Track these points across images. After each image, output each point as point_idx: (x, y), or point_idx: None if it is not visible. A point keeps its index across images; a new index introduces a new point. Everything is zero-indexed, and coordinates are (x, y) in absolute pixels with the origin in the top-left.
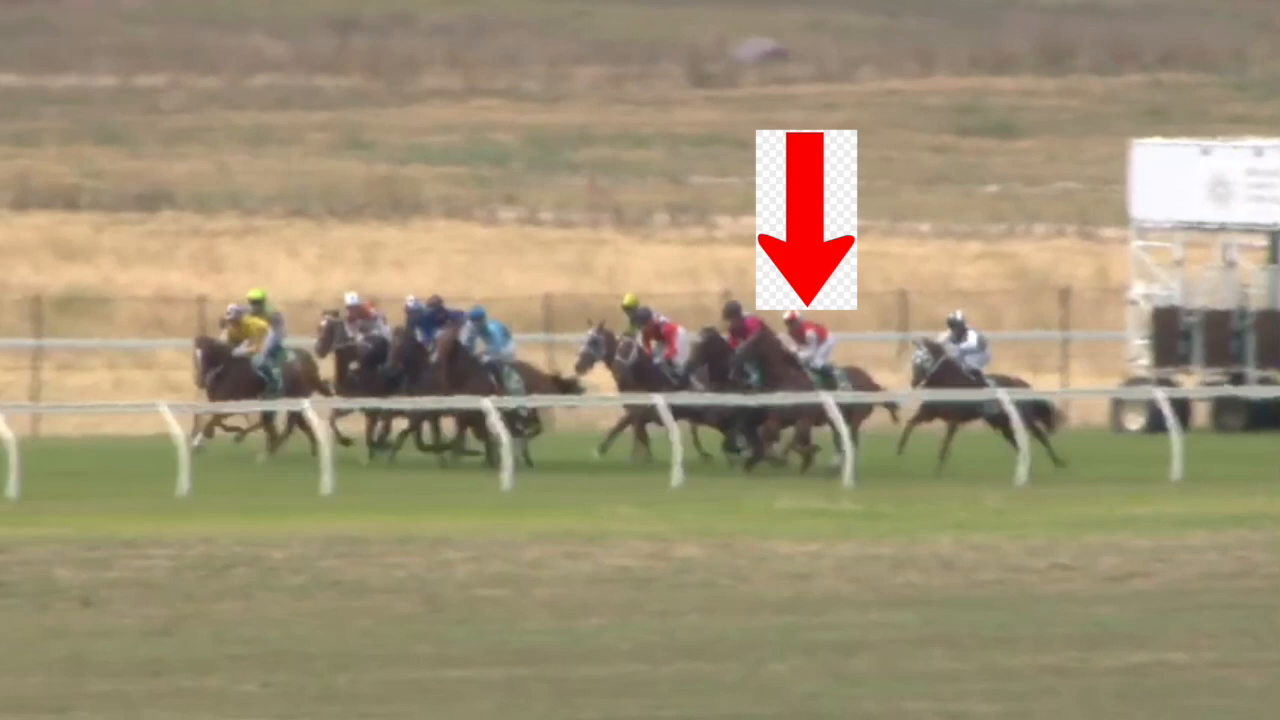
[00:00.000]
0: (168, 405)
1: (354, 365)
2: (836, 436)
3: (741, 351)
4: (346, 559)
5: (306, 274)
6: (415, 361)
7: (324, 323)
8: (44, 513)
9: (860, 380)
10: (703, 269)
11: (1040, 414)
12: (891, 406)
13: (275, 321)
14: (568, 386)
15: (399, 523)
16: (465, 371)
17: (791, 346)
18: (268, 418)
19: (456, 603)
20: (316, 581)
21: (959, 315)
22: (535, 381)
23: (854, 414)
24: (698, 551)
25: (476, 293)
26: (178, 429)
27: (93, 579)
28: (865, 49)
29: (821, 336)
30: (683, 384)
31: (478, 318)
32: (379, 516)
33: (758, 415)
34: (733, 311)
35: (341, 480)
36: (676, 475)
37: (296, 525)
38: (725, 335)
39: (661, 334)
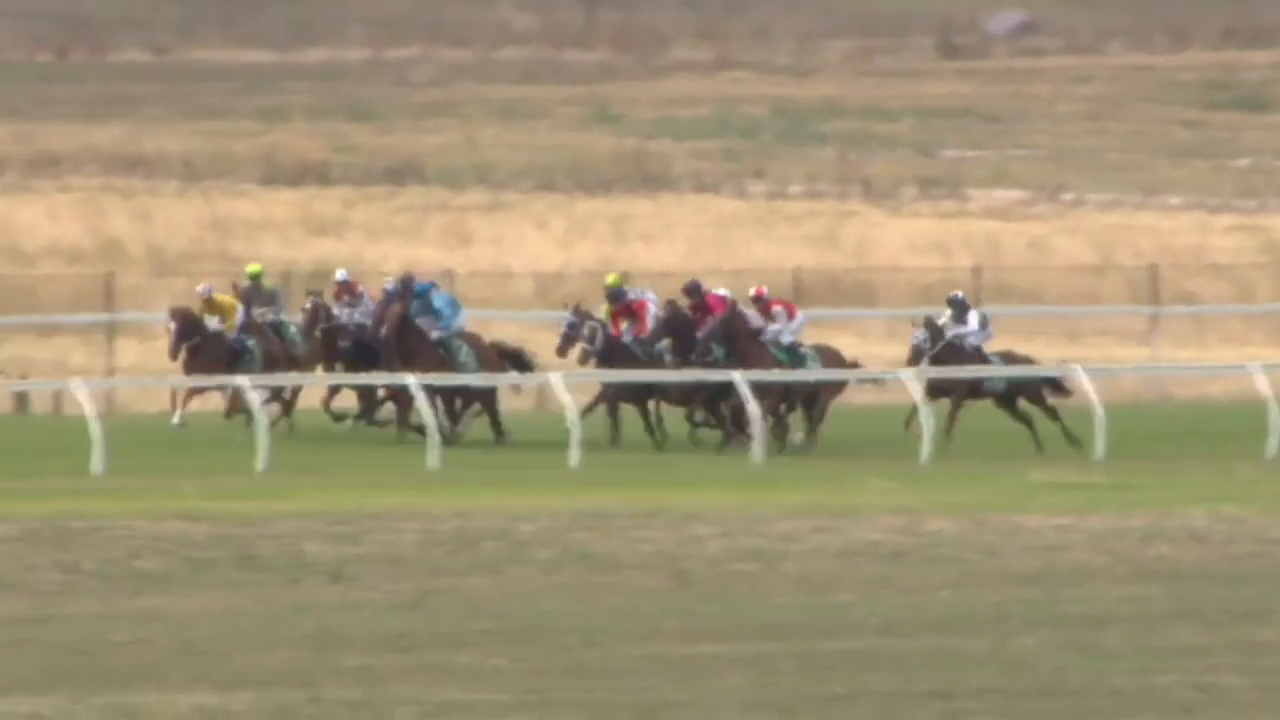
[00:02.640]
0: (414, 379)
1: (344, 343)
2: (807, 414)
3: (709, 329)
4: (595, 533)
5: (555, 248)
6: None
7: (309, 303)
8: (292, 486)
9: (829, 357)
10: (953, 242)
11: (1054, 389)
12: (875, 383)
13: (273, 298)
14: (515, 357)
15: (647, 497)
16: (414, 347)
17: (758, 323)
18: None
19: (706, 578)
20: (566, 555)
21: (960, 295)
22: (484, 355)
23: (824, 391)
24: (947, 525)
25: (725, 265)
26: (428, 404)
27: (342, 553)
28: (1116, 21)
29: (790, 313)
30: (656, 361)
31: (422, 294)
32: (627, 491)
33: (720, 392)
34: (693, 289)
35: (588, 458)
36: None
37: (545, 499)
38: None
39: (633, 311)
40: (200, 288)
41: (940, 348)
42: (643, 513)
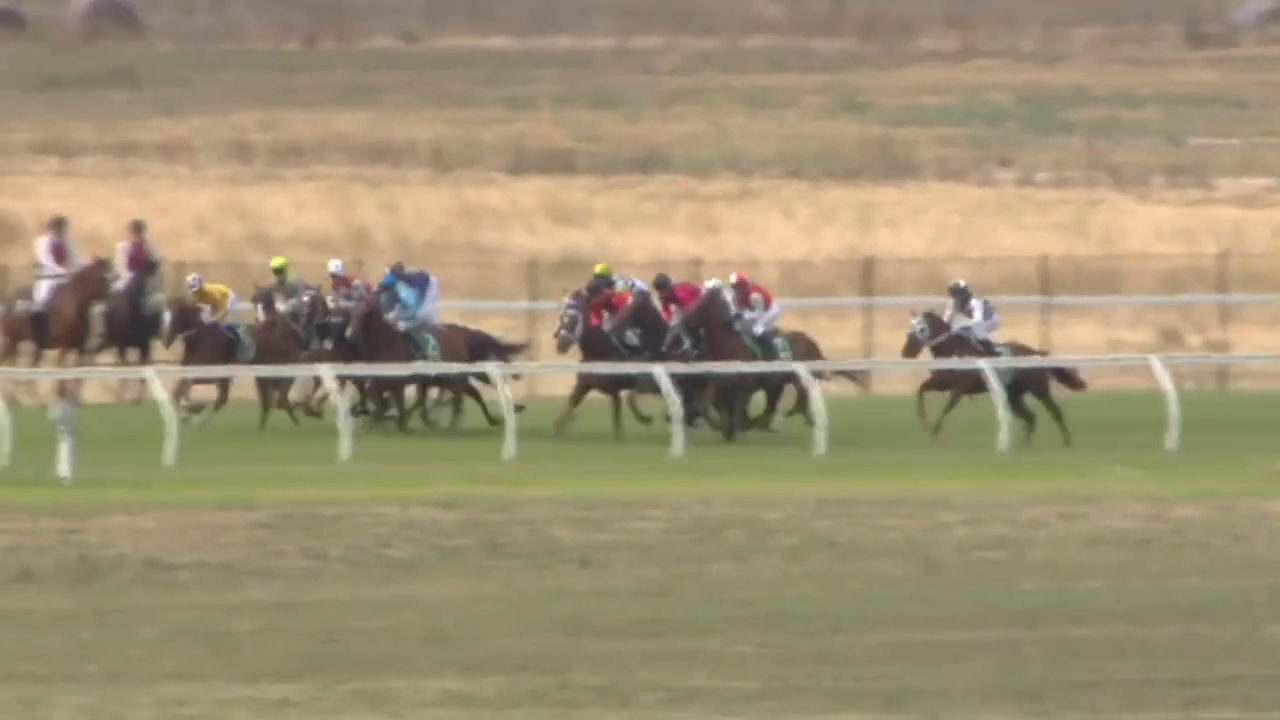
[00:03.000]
0: (661, 368)
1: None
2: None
3: (683, 319)
4: (840, 520)
5: (801, 235)
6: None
7: (306, 296)
8: (541, 473)
9: (803, 346)
10: (1199, 230)
11: (1063, 379)
12: (852, 376)
13: (295, 292)
14: (496, 348)
15: (892, 485)
16: (381, 341)
17: (733, 310)
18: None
19: (952, 565)
20: (810, 543)
21: (961, 283)
22: (449, 346)
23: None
24: (1194, 513)
25: (970, 253)
26: (674, 391)
27: (590, 540)
28: None
29: (767, 302)
30: (635, 353)
31: (389, 286)
32: (873, 478)
33: (696, 383)
34: (662, 283)
35: (834, 447)
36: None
37: (790, 486)
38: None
39: (612, 304)
40: (190, 278)
41: (946, 339)
42: (888, 500)
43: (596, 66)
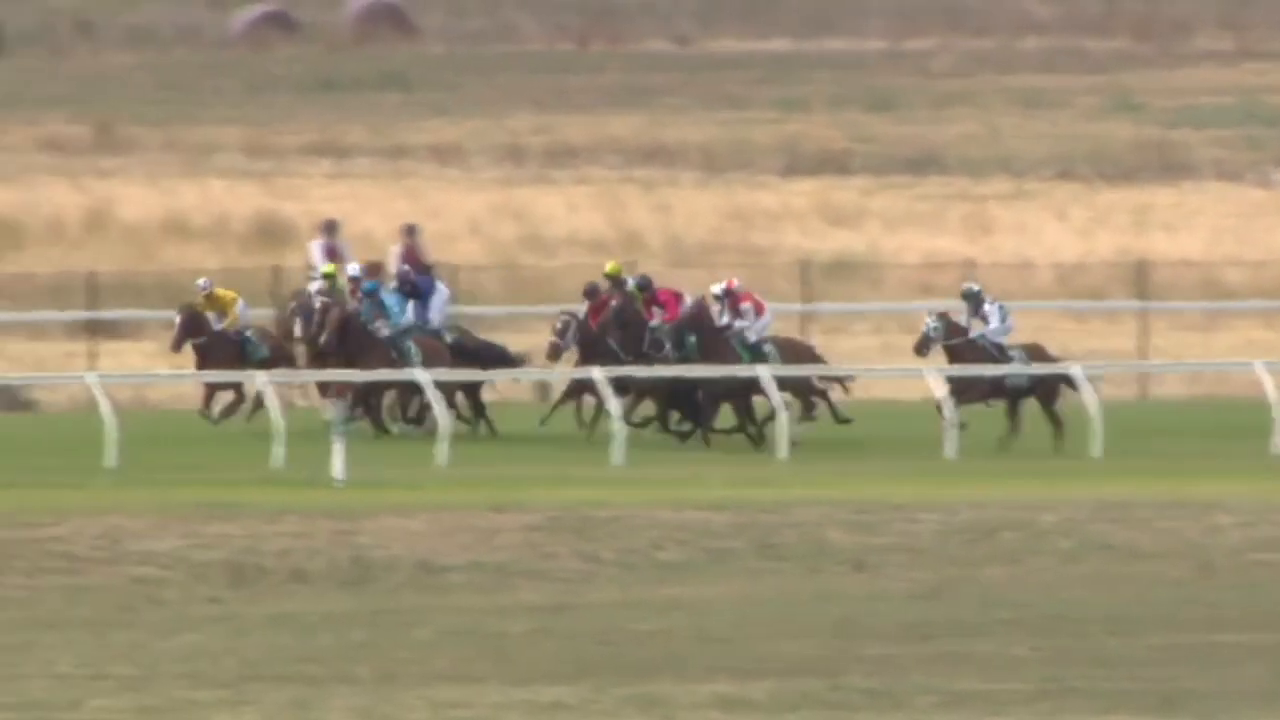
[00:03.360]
0: (933, 370)
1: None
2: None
3: (676, 326)
4: (1116, 524)
5: (1075, 237)
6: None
7: (318, 303)
8: (813, 476)
9: (796, 353)
10: None
11: (1070, 385)
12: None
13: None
14: (485, 356)
15: (1168, 487)
16: (360, 347)
17: (724, 319)
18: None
19: (1228, 567)
20: (1086, 545)
21: (975, 287)
22: (431, 353)
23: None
24: None
25: (1248, 256)
26: (941, 392)
27: (862, 543)
28: None
29: (759, 310)
30: (640, 358)
31: (371, 292)
32: (1147, 481)
33: (679, 386)
34: (644, 284)
35: (1109, 447)
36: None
37: (1066, 489)
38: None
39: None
40: (200, 282)
41: (960, 344)
42: (1164, 503)
43: (870, 68)
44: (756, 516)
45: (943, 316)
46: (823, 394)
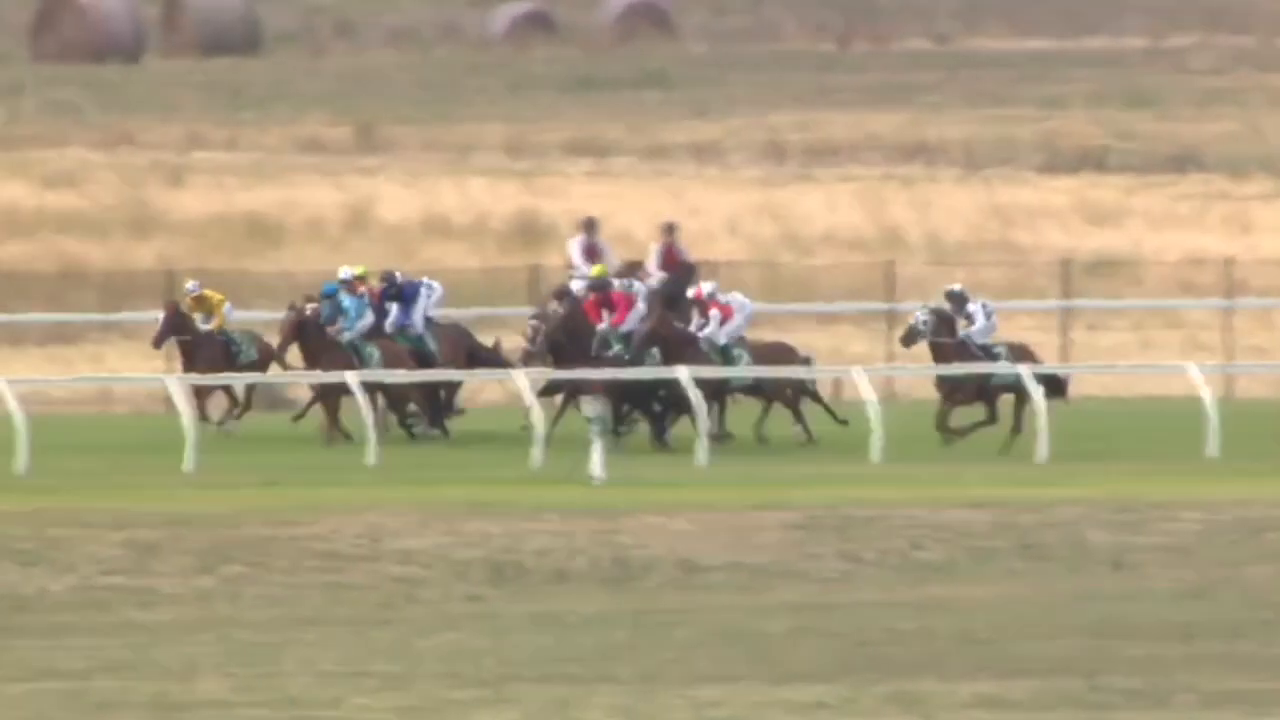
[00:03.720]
0: (1196, 366)
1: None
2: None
3: (641, 337)
4: None
5: None
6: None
7: (308, 308)
8: (1073, 475)
9: (774, 356)
10: None
11: (1051, 387)
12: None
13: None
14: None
15: None
16: (318, 350)
17: (693, 324)
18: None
19: None
20: None
21: (958, 287)
22: (391, 356)
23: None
24: None
25: None
26: (1206, 390)
27: (1124, 542)
28: None
29: (726, 315)
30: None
31: (330, 295)
32: None
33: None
34: (599, 286)
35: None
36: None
37: None
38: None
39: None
40: (189, 285)
41: (947, 343)
42: None
43: (1130, 66)
44: (1016, 516)
45: (935, 312)
46: (814, 396)
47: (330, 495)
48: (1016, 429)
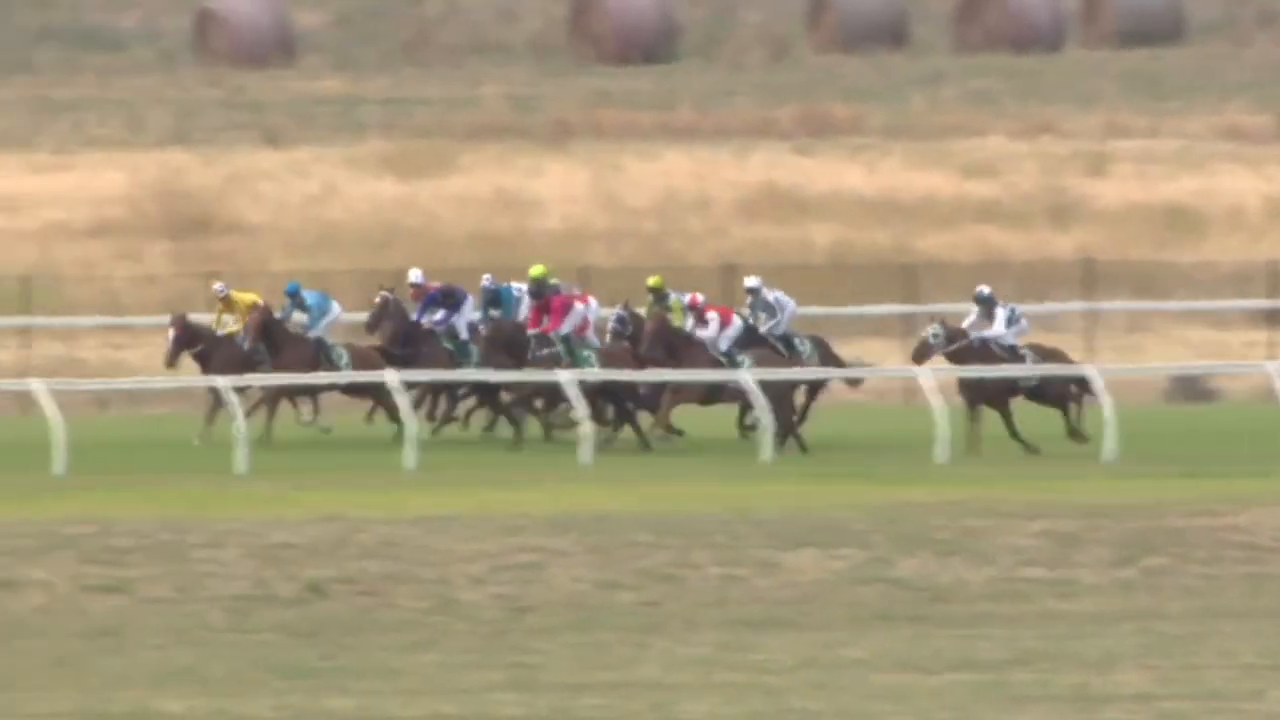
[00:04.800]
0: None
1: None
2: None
3: (647, 341)
4: None
5: None
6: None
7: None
8: None
9: (771, 361)
10: None
11: (1082, 386)
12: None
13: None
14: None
15: None
16: (282, 346)
17: (691, 329)
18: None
19: None
20: None
21: (986, 290)
22: (359, 354)
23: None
24: None
25: None
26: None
27: None
28: None
29: (726, 320)
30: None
31: (293, 294)
32: None
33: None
34: (538, 290)
35: None
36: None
37: None
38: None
39: (550, 308)
40: (216, 286)
41: (961, 347)
42: None
43: None
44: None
45: (944, 323)
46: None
47: (1251, 487)
48: (1075, 431)
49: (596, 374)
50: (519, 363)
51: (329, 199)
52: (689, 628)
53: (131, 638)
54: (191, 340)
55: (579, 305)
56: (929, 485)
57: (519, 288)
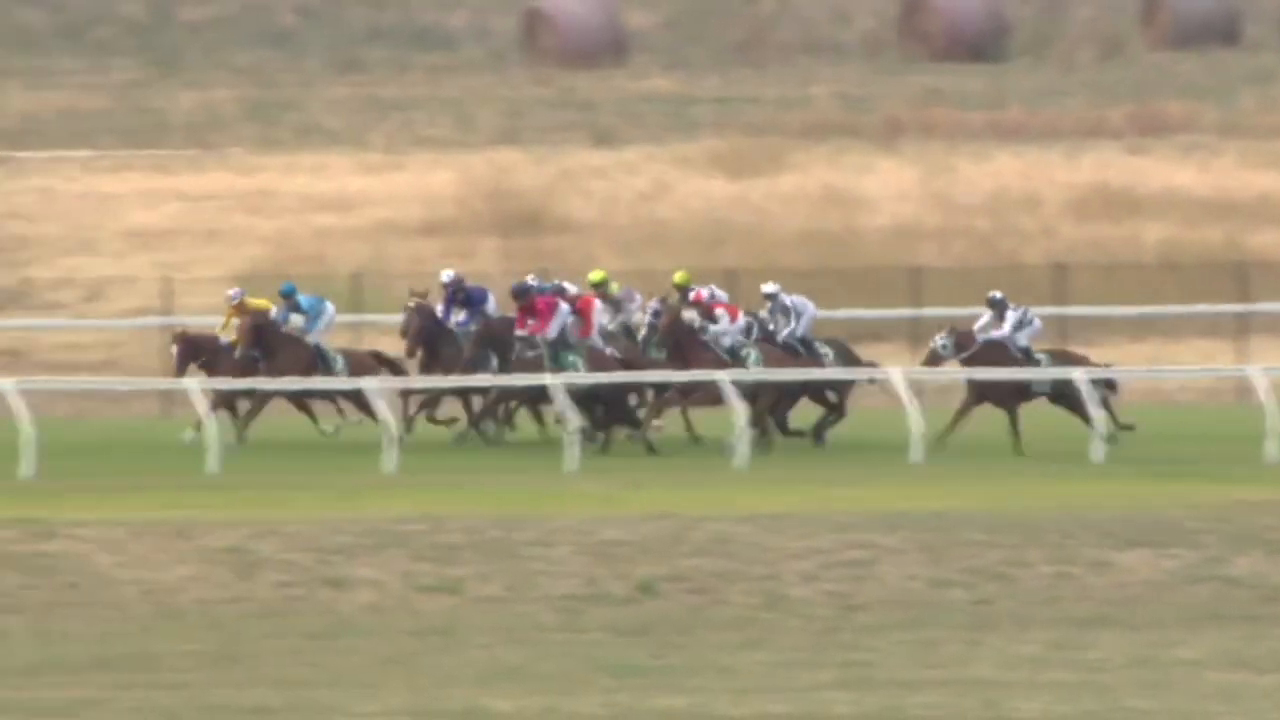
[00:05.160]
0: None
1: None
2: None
3: (657, 337)
4: None
5: None
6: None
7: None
8: None
9: (774, 359)
10: None
11: (1109, 387)
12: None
13: (619, 305)
14: (391, 364)
15: None
16: (274, 349)
17: (698, 325)
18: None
19: None
20: None
21: (998, 294)
22: (356, 358)
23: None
24: None
25: None
26: None
27: None
28: None
29: (732, 317)
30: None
31: (289, 294)
32: None
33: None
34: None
35: None
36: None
37: None
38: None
39: (535, 309)
40: (231, 291)
41: (977, 350)
42: None
43: None
44: None
45: (952, 332)
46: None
47: None
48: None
49: (583, 377)
50: (504, 362)
51: (660, 197)
52: (1020, 626)
53: (461, 636)
54: (195, 353)
55: (564, 306)
56: (1260, 484)
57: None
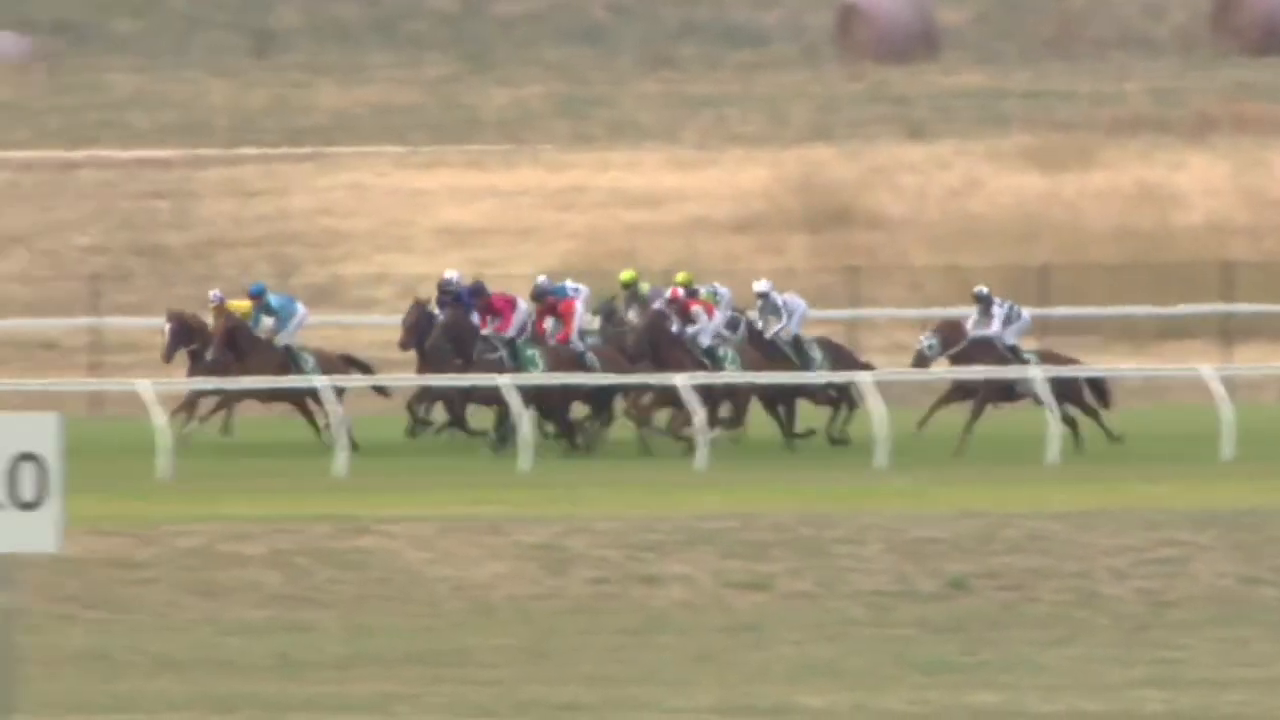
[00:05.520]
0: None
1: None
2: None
3: (635, 338)
4: None
5: None
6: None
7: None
8: None
9: (748, 359)
10: None
11: (1095, 390)
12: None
13: (648, 303)
14: (361, 366)
15: None
16: (248, 351)
17: (675, 326)
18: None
19: None
20: None
21: (984, 290)
22: (325, 359)
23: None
24: None
25: None
26: None
27: None
28: None
29: (709, 314)
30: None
31: (258, 295)
32: None
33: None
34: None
35: None
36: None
37: None
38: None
39: (557, 311)
40: (212, 294)
41: (964, 347)
42: None
43: None
44: None
45: (938, 331)
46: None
47: None
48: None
49: (540, 377)
50: (466, 362)
51: (971, 192)
52: None
53: (771, 632)
54: (189, 337)
55: (522, 305)
56: None
57: (573, 288)
